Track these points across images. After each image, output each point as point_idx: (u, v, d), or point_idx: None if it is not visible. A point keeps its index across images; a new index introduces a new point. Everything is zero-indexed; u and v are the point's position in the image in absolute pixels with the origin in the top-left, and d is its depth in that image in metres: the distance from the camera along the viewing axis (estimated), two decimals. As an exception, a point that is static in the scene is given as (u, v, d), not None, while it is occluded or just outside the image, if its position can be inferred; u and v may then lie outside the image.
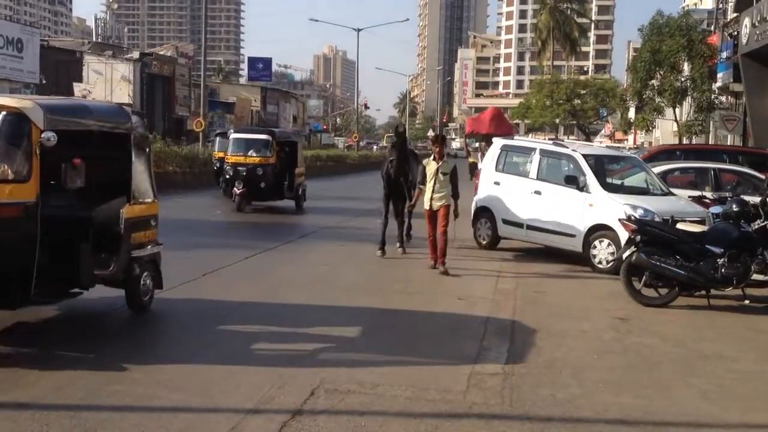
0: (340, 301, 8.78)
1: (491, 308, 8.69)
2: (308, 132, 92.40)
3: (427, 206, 10.93)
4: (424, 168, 10.97)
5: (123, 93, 57.27)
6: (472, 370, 6.22)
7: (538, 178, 12.63)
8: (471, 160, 28.79)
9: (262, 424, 4.91)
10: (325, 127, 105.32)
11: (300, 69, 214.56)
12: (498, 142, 14.21)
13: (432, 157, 11.11)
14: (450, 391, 5.68)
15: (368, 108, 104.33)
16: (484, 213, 13.53)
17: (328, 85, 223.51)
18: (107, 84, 57.40)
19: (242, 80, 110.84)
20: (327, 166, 40.77)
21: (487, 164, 13.89)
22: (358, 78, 66.23)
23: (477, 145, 30.63)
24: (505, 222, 13.01)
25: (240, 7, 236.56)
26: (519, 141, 14.96)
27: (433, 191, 10.81)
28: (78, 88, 54.20)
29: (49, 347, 6.35)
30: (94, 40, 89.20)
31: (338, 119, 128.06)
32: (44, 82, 53.17)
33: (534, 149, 13.10)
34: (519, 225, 12.74)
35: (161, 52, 73.19)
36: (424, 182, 10.95)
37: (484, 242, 13.43)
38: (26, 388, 5.31)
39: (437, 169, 10.79)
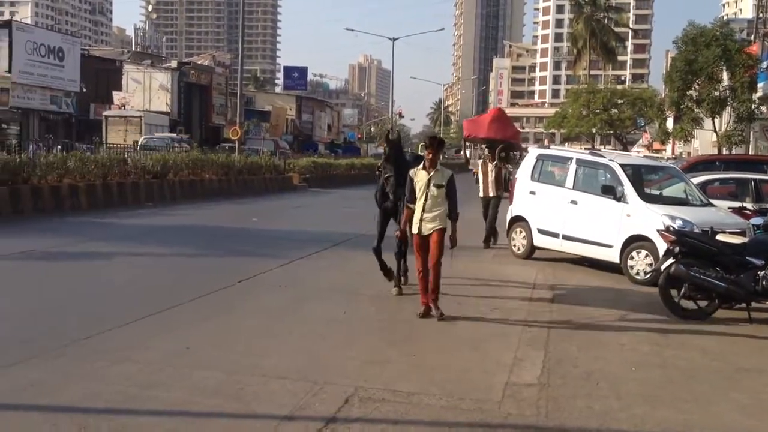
0: (372, 308, 8.78)
1: (526, 318, 8.61)
2: (343, 141, 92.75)
3: (415, 230, 8.38)
4: (412, 181, 8.40)
5: (161, 102, 58.12)
6: (507, 380, 6.18)
7: (574, 188, 12.53)
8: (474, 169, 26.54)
9: (297, 432, 4.92)
10: (359, 136, 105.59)
11: (335, 78, 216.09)
12: (534, 152, 14.17)
13: (422, 165, 8.46)
14: (485, 401, 5.64)
15: (403, 117, 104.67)
16: (519, 222, 13.47)
17: (362, 94, 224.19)
18: (146, 93, 58.25)
19: (278, 89, 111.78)
20: (361, 174, 41.05)
21: (522, 173, 13.81)
22: (393, 87, 66.24)
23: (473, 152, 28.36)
24: (541, 232, 12.93)
25: (276, 17, 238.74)
26: (555, 150, 14.86)
27: (423, 210, 8.29)
28: (117, 97, 55.07)
29: (86, 352, 6.43)
30: (133, 49, 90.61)
31: (372, 128, 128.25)
32: (84, 90, 54.14)
33: (570, 159, 13.00)
34: (555, 235, 12.65)
35: (199, 62, 74.00)
36: (413, 199, 8.45)
37: (519, 252, 13.36)
38: (64, 392, 5.37)
39: (428, 181, 8.27)
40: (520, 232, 13.43)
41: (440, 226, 8.25)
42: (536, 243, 13.10)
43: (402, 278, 9.80)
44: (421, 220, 8.30)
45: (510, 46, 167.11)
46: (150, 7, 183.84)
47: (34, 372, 5.78)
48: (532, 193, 13.30)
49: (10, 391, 5.34)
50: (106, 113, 47.94)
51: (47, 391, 5.39)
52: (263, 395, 5.54)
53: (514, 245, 13.53)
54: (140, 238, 14.11)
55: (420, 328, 8.01)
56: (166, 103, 58.58)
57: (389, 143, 9.77)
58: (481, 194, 15.33)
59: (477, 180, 24.16)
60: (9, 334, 6.90)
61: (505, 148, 15.86)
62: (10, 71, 46.63)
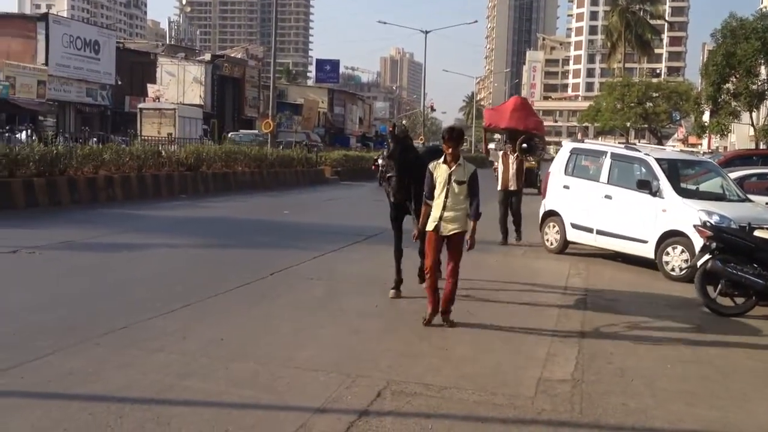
0: (403, 302, 8.76)
1: (559, 314, 8.56)
2: (374, 134, 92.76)
3: (431, 227, 7.62)
4: (432, 175, 7.66)
5: (194, 94, 58.61)
6: (540, 376, 6.14)
7: (609, 183, 12.40)
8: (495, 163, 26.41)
9: (330, 424, 4.93)
10: (390, 129, 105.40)
11: (366, 71, 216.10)
12: (567, 145, 14.04)
13: (442, 158, 7.70)
14: (518, 397, 5.62)
15: (434, 110, 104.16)
16: (552, 217, 13.38)
17: (394, 87, 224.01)
18: (179, 85, 58.78)
19: (310, 82, 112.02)
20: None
21: (556, 167, 13.70)
22: (425, 80, 65.99)
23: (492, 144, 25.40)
24: (574, 226, 12.83)
25: (309, 9, 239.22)
26: (589, 144, 14.71)
27: (443, 208, 7.55)
28: (152, 89, 55.60)
29: (123, 342, 6.52)
30: (167, 42, 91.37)
31: (404, 121, 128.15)
32: (120, 83, 54.73)
33: (605, 153, 12.86)
34: (588, 230, 12.54)
35: (232, 55, 74.44)
36: (431, 195, 7.72)
37: (552, 246, 13.27)
38: (101, 382, 5.45)
39: (449, 176, 7.52)
40: (554, 226, 13.34)
41: (461, 229, 7.56)
42: (569, 238, 13.00)
43: (399, 286, 8.99)
44: (441, 219, 7.56)
45: (543, 39, 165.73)
46: (184, 1, 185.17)
47: (72, 360, 5.88)
48: (566, 187, 13.19)
49: (49, 379, 5.43)
50: (140, 106, 48.40)
51: (85, 379, 5.47)
52: (296, 387, 5.58)
53: (547, 240, 13.45)
54: (175, 230, 14.26)
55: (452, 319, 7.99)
56: (200, 96, 59.06)
57: (394, 139, 8.80)
58: (499, 187, 14.53)
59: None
60: (48, 323, 7.01)
61: (526, 139, 14.90)
62: (47, 64, 47.28)
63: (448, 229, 7.55)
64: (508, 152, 14.61)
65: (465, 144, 26.69)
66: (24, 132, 29.30)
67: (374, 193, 24.83)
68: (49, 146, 18.59)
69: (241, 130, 50.79)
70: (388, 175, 8.86)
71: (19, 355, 5.91)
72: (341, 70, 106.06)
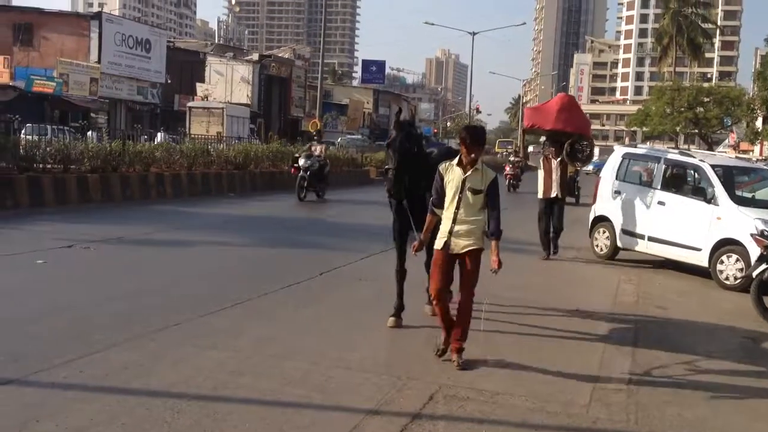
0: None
1: (611, 321, 8.44)
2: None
3: (439, 245, 6.30)
4: (442, 178, 6.33)
5: (242, 93, 59.21)
6: (594, 383, 6.06)
7: (661, 189, 12.21)
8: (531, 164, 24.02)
9: (382, 426, 4.92)
10: (435, 131, 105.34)
11: (412, 72, 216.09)
12: (619, 150, 13.87)
13: (456, 160, 6.33)
14: (572, 405, 5.55)
15: (480, 112, 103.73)
16: (602, 222, 13.22)
17: (439, 89, 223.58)
18: (227, 85, 59.42)
19: (355, 83, 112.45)
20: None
21: (606, 172, 13.52)
22: (471, 82, 65.77)
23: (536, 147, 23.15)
24: (625, 232, 12.65)
25: (355, 10, 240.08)
26: (642, 149, 14.47)
27: (454, 220, 6.22)
28: (200, 88, 56.33)
29: (177, 338, 6.60)
30: (216, 42, 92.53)
31: (449, 123, 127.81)
32: (169, 81, 55.53)
33: (658, 158, 12.67)
34: (640, 236, 12.36)
35: (279, 55, 75.06)
36: (440, 203, 6.40)
37: (602, 253, 13.10)
38: (157, 377, 5.53)
39: (463, 183, 6.19)
40: (603, 232, 13.17)
41: (476, 246, 6.22)
42: (620, 244, 12.82)
43: (399, 312, 7.61)
44: (450, 233, 6.23)
45: (592, 42, 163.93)
46: (234, 1, 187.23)
47: (128, 355, 5.97)
48: (617, 192, 13.01)
49: (106, 373, 5.52)
50: (189, 104, 49.10)
51: (141, 374, 5.55)
52: (348, 388, 5.58)
53: (597, 246, 13.28)
54: (224, 228, 14.42)
55: (503, 326, 7.93)
56: (247, 95, 59.65)
57: (397, 125, 7.41)
58: (540, 195, 12.98)
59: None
60: (104, 318, 7.14)
61: (574, 142, 13.03)
62: (99, 62, 48.17)
63: (460, 245, 6.21)
64: (551, 156, 13.07)
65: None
66: (92, 130, 29.92)
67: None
68: (102, 143, 18.96)
69: (347, 135, 55.84)
70: (386, 167, 7.45)
71: (77, 348, 6.02)
72: (387, 70, 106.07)
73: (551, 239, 12.88)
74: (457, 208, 6.22)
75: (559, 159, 12.88)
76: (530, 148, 21.44)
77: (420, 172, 7.08)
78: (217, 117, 45.29)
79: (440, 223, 6.39)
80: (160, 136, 32.27)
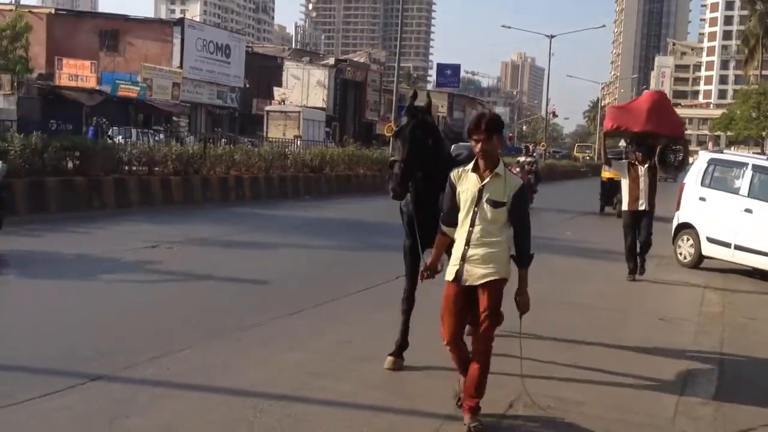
0: (531, 311, 8.58)
1: (696, 332, 8.18)
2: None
3: (450, 275, 4.94)
4: (453, 188, 4.96)
5: (318, 97, 59.87)
6: (679, 396, 5.88)
7: (749, 196, 11.78)
8: (608, 174, 21.06)
9: (462, 432, 4.89)
10: (510, 135, 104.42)
11: (487, 76, 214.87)
12: (704, 155, 13.44)
13: (471, 164, 4.94)
14: (657, 417, 5.40)
15: (556, 116, 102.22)
16: (686, 230, 12.84)
17: (514, 93, 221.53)
18: (304, 89, 60.18)
19: (429, 86, 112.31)
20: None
21: (691, 178, 13.14)
22: (548, 85, 64.91)
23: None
24: (710, 240, 12.26)
25: (431, 14, 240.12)
26: (729, 155, 14.02)
27: (468, 242, 4.85)
28: (278, 92, 57.27)
29: (259, 338, 6.71)
30: (293, 46, 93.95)
31: (524, 127, 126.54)
32: (248, 86, 56.64)
33: (746, 164, 12.23)
34: (726, 244, 11.95)
35: (355, 59, 75.68)
36: (451, 220, 5.00)
37: (686, 261, 12.73)
38: (240, 376, 5.63)
39: (480, 193, 4.82)
40: (687, 240, 12.80)
41: (497, 276, 4.81)
42: (704, 252, 12.43)
43: (403, 343, 6.30)
44: (464, 259, 4.85)
45: (673, 44, 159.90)
46: (311, 6, 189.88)
47: (212, 354, 6.11)
48: (702, 199, 12.63)
49: (190, 371, 5.65)
50: (267, 108, 49.96)
51: (225, 373, 5.67)
52: (427, 392, 5.57)
53: (680, 254, 12.91)
54: (301, 230, 14.61)
55: (586, 333, 7.79)
56: (323, 99, 60.31)
57: (408, 111, 5.96)
58: (625, 206, 11.48)
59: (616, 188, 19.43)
60: (188, 316, 7.33)
61: (666, 146, 11.60)
62: (181, 67, 49.50)
63: (476, 275, 4.81)
64: (637, 162, 11.38)
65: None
66: (191, 135, 30.85)
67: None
68: (184, 146, 19.48)
69: (461, 143, 54.17)
70: (391, 159, 6.02)
71: (162, 346, 6.19)
72: (461, 74, 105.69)
73: (639, 259, 11.37)
74: (472, 225, 4.82)
75: (647, 166, 11.25)
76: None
77: (435, 173, 5.53)
78: (293, 120, 45.95)
79: (452, 247, 5.00)
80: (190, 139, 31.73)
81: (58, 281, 8.91)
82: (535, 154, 20.58)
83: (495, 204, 4.77)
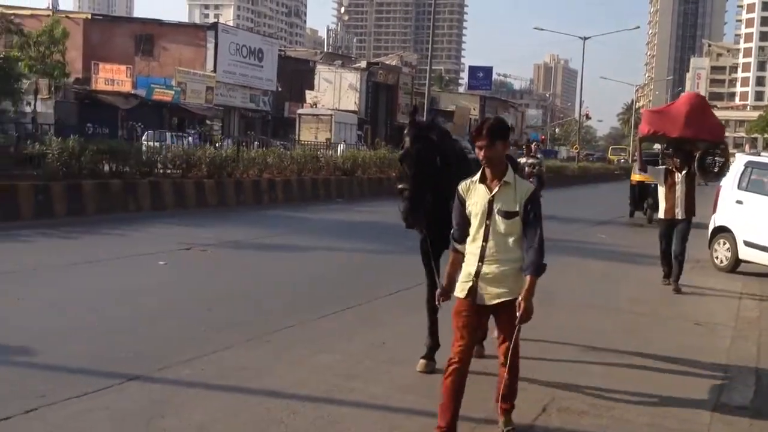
0: (565, 314, 8.56)
1: (733, 337, 8.07)
2: (525, 142, 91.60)
3: (462, 291, 4.59)
4: (462, 203, 4.64)
5: (349, 101, 60.09)
6: (715, 401, 5.81)
7: (788, 199, 11.59)
8: (637, 177, 20.14)
9: (496, 436, 4.88)
10: (542, 138, 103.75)
11: (519, 78, 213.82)
12: (742, 158, 13.24)
13: (479, 175, 4.62)
14: (692, 422, 5.33)
15: (590, 118, 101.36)
16: (723, 233, 12.67)
17: (547, 95, 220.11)
18: (335, 92, 60.44)
19: (461, 89, 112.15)
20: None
21: (728, 181, 12.95)
22: (582, 87, 64.42)
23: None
24: (748, 244, 12.08)
25: (462, 17, 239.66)
26: (766, 158, 13.80)
27: (481, 258, 4.53)
28: (309, 96, 57.57)
29: (291, 340, 6.76)
30: (325, 50, 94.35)
31: (557, 129, 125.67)
32: (280, 89, 57.01)
33: (784, 167, 12.04)
34: (764, 248, 11.76)
35: (386, 62, 75.81)
36: (462, 236, 4.68)
37: (722, 265, 12.56)
38: (273, 377, 5.68)
39: (490, 204, 4.52)
40: (724, 243, 12.62)
41: (511, 296, 4.49)
42: (741, 256, 12.24)
43: (432, 353, 6.25)
44: (477, 276, 4.54)
45: (709, 45, 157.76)
46: (342, 9, 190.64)
47: (246, 355, 6.17)
48: (739, 202, 12.45)
49: (226, 372, 5.71)
50: (299, 111, 50.27)
51: (259, 374, 5.72)
52: (459, 396, 5.55)
53: (717, 257, 12.74)
54: (333, 233, 14.67)
55: (619, 337, 7.72)
56: (355, 102, 60.52)
57: (412, 129, 5.71)
58: (662, 214, 10.98)
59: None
60: (221, 318, 7.40)
61: (706, 151, 11.12)
62: (215, 71, 49.98)
63: (492, 295, 4.53)
64: (674, 169, 10.82)
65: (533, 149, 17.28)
66: (228, 138, 30.97)
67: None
68: (217, 150, 19.67)
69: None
70: (399, 186, 5.74)
71: (197, 347, 6.26)
72: (493, 76, 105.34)
73: (676, 270, 10.78)
74: (485, 240, 4.52)
75: (684, 172, 10.69)
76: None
77: (446, 192, 5.16)
78: (325, 123, 46.18)
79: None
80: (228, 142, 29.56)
81: (95, 282, 9.05)
82: (539, 155, 17.94)
83: (507, 215, 4.48)
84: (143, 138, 25.74)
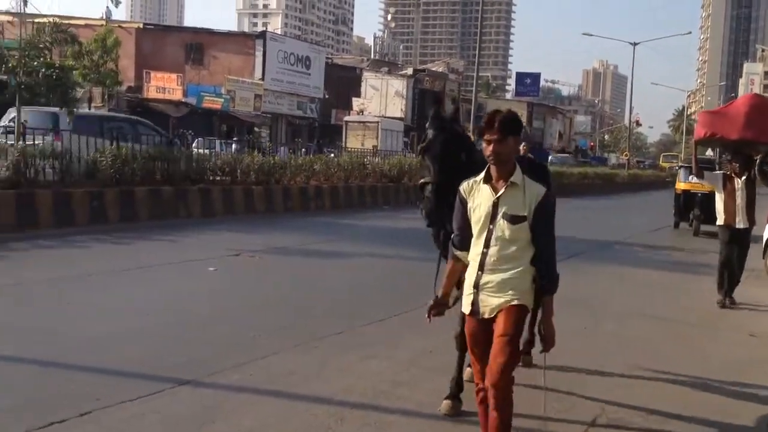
0: (611, 324, 8.45)
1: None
2: (574, 148, 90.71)
3: (466, 307, 4.16)
4: (464, 204, 4.16)
5: (396, 108, 60.27)
6: (772, 420, 5.68)
7: None
8: (683, 185, 20.04)
9: (542, 448, 4.85)
10: (592, 144, 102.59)
11: (567, 84, 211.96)
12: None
13: (483, 174, 4.12)
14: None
15: (640, 125, 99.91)
16: (778, 242, 12.37)
17: (596, 101, 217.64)
18: (382, 99, 60.68)
19: (508, 95, 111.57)
20: (594, 184, 40.25)
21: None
22: (632, 93, 63.55)
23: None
24: (804, 254, 11.78)
25: (510, 23, 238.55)
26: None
27: (481, 266, 4.06)
28: (356, 103, 57.90)
29: (339, 346, 6.81)
30: (371, 57, 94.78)
31: (606, 136, 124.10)
32: (327, 96, 57.46)
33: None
34: (820, 258, 11.46)
35: (433, 68, 75.84)
36: (464, 242, 4.22)
37: (777, 275, 12.25)
38: (321, 383, 5.72)
39: (494, 206, 4.02)
40: (779, 253, 12.32)
41: (514, 301, 3.99)
42: (798, 266, 11.95)
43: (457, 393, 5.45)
44: (477, 287, 4.08)
45: (762, 50, 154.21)
46: (389, 17, 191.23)
47: (294, 361, 6.24)
48: (795, 210, 12.13)
49: (274, 377, 5.78)
50: (346, 119, 50.56)
51: (307, 379, 5.77)
52: (507, 405, 5.52)
53: (771, 267, 12.44)
54: (380, 240, 14.70)
55: (669, 348, 7.61)
56: (401, 109, 60.68)
57: (434, 122, 5.31)
58: (720, 222, 10.24)
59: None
60: (269, 323, 7.49)
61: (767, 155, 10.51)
62: (263, 78, 50.62)
63: (491, 306, 4.03)
64: (733, 174, 10.13)
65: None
66: (283, 146, 31.28)
67: (578, 209, 24.27)
68: (266, 156, 19.90)
69: (558, 154, 61.32)
70: (421, 181, 5.32)
71: (246, 352, 6.35)
72: (541, 83, 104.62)
73: (729, 284, 10.15)
74: (486, 247, 4.02)
75: (744, 177, 10.03)
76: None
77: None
78: (372, 130, 46.34)
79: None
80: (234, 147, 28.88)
81: (146, 288, 9.24)
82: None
83: (513, 219, 3.96)
84: (193, 145, 26.13)
